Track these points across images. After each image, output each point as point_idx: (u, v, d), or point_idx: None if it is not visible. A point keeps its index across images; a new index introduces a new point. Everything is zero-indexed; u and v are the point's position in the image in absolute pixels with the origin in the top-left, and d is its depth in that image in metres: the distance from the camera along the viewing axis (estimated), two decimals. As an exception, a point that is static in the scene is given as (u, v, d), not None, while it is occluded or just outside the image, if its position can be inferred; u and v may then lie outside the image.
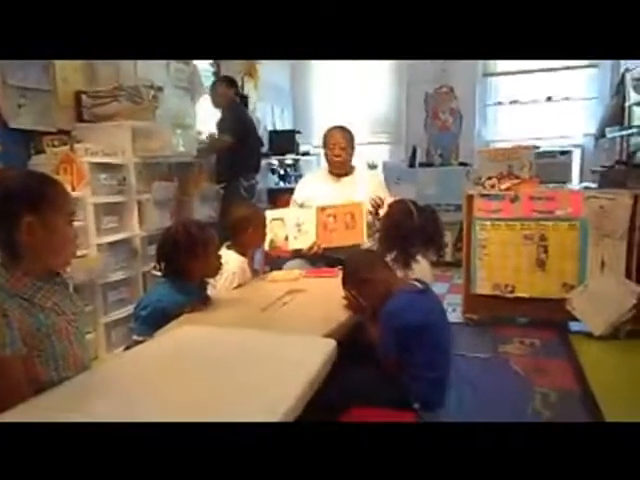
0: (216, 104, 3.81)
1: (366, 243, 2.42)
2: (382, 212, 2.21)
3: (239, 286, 2.08)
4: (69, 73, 2.79)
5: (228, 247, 2.16)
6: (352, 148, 2.69)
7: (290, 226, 2.52)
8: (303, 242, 2.48)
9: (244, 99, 4.17)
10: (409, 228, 1.99)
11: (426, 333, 1.56)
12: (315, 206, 2.53)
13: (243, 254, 2.20)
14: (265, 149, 4.92)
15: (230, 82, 3.85)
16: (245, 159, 3.70)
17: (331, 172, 2.72)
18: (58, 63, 2.70)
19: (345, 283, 1.73)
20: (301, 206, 2.67)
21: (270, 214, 2.56)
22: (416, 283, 1.72)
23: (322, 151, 2.78)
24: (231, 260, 2.07)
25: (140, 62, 3.31)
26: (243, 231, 2.19)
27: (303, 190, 2.76)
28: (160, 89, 3.13)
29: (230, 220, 2.25)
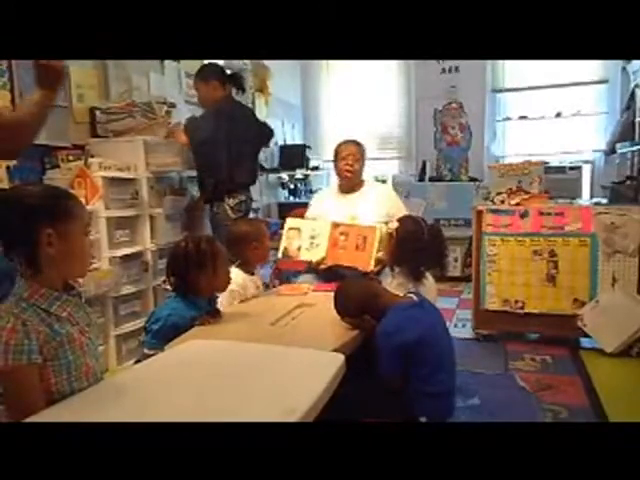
0: (201, 104, 3.10)
1: (373, 270, 2.35)
2: (392, 225, 2.20)
3: (242, 302, 2.09)
4: (84, 90, 2.85)
5: (236, 265, 2.16)
6: (364, 161, 2.69)
7: (305, 237, 2.52)
8: (314, 255, 2.47)
9: (238, 80, 3.13)
10: (422, 243, 2.01)
11: (426, 346, 1.55)
12: (331, 220, 2.52)
13: (249, 271, 2.20)
14: (275, 164, 4.97)
15: (205, 74, 2.99)
16: (228, 175, 2.91)
17: (341, 189, 2.71)
18: (74, 81, 2.77)
19: (341, 317, 1.72)
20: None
21: (289, 222, 2.60)
22: (412, 296, 1.72)
23: (332, 166, 2.78)
24: (233, 277, 2.06)
25: (153, 79, 3.37)
26: (245, 247, 2.18)
27: (314, 207, 2.77)
28: (173, 105, 3.18)
29: (231, 237, 2.22)
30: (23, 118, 1.53)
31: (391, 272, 2.13)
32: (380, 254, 2.35)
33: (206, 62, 3.11)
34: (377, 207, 2.58)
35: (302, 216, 2.77)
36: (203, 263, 1.77)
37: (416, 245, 2.00)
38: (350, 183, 2.67)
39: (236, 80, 3.12)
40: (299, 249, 2.51)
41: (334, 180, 2.80)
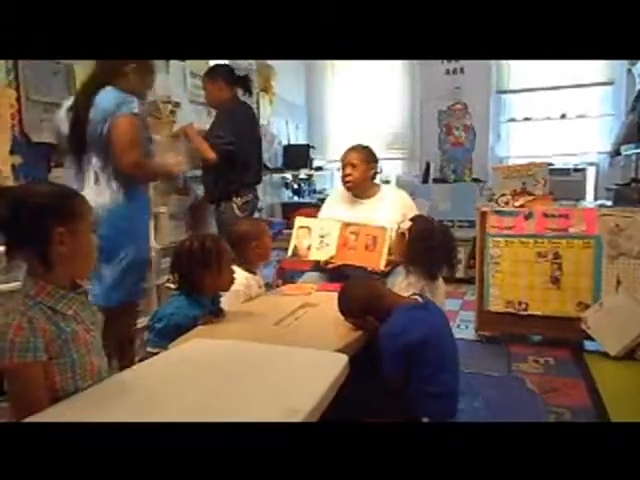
0: (208, 104, 3.22)
1: (382, 270, 2.33)
2: (404, 225, 2.18)
3: (246, 301, 2.09)
4: (89, 89, 2.86)
5: (238, 265, 2.15)
6: (368, 167, 2.61)
7: (314, 236, 2.52)
8: (323, 254, 2.46)
9: (247, 82, 3.16)
10: (433, 243, 2.00)
11: (430, 347, 1.55)
12: (341, 220, 2.50)
13: (250, 270, 2.20)
14: (279, 164, 4.97)
15: (214, 75, 3.04)
16: (237, 175, 2.97)
17: (353, 194, 2.65)
18: (78, 80, 2.77)
19: (344, 317, 1.72)
20: None
21: (298, 221, 2.59)
22: (416, 297, 1.72)
23: (335, 166, 2.76)
24: (237, 277, 2.06)
25: (158, 78, 3.37)
26: (246, 246, 2.18)
27: (326, 210, 2.74)
28: (177, 104, 3.19)
29: (232, 237, 2.22)
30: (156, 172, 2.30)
31: (405, 271, 2.11)
32: (391, 256, 2.34)
33: (215, 62, 3.16)
34: (394, 214, 2.52)
35: (308, 216, 2.76)
36: (208, 262, 1.77)
37: (429, 244, 2.00)
38: (354, 191, 2.63)
39: (244, 83, 3.15)
40: (309, 248, 2.50)
41: (339, 182, 2.76)
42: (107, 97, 1.98)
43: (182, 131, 2.95)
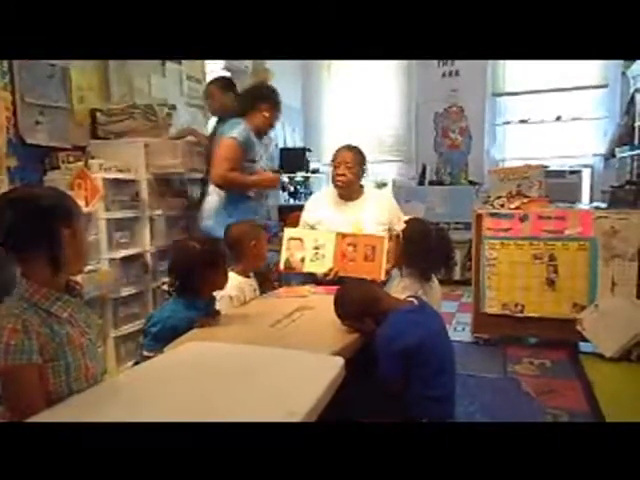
0: (212, 112, 3.38)
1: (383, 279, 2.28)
2: (398, 227, 2.17)
3: (241, 305, 2.07)
4: (85, 92, 2.85)
5: (231, 269, 2.12)
6: (361, 169, 2.58)
7: (308, 248, 2.42)
8: (319, 267, 2.38)
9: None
10: (428, 245, 2.00)
11: (427, 350, 1.55)
12: (335, 231, 2.42)
13: (245, 274, 2.18)
14: (276, 166, 4.97)
15: (224, 85, 3.24)
16: None
17: (340, 196, 2.60)
18: (75, 83, 2.77)
19: (341, 320, 1.71)
20: (312, 228, 2.58)
21: (288, 232, 2.51)
22: (413, 300, 1.72)
23: (331, 169, 2.71)
24: (230, 282, 2.00)
25: (154, 81, 3.37)
26: (243, 248, 2.16)
27: (312, 212, 2.67)
28: (173, 107, 3.18)
29: (229, 238, 2.20)
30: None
31: (400, 274, 2.11)
32: (388, 265, 2.29)
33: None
34: (380, 215, 2.50)
35: (298, 220, 2.72)
36: (206, 263, 1.76)
37: (424, 246, 1.99)
38: (344, 191, 2.57)
39: None
40: (303, 260, 2.42)
41: (330, 184, 2.71)
42: (225, 124, 2.68)
43: (187, 132, 3.15)
